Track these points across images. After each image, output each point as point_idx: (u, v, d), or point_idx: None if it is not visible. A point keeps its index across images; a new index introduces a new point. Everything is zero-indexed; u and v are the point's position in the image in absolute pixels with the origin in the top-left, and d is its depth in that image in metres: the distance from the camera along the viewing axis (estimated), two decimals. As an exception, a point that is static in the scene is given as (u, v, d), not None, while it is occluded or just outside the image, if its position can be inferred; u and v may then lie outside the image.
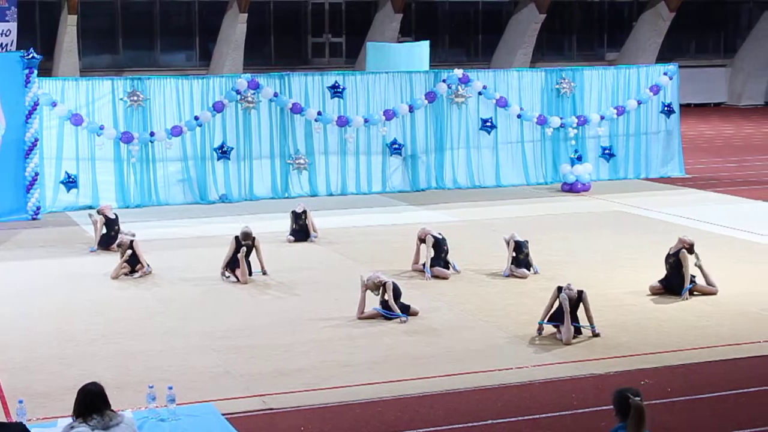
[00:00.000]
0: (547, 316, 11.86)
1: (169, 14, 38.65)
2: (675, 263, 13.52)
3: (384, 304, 12.61)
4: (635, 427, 6.62)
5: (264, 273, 14.74)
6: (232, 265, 14.63)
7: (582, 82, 23.72)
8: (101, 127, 20.38)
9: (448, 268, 14.73)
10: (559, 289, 11.87)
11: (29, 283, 14.57)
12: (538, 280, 14.29)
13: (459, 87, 22.78)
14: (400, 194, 22.07)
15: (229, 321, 12.55)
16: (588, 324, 11.83)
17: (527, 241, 14.76)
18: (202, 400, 9.40)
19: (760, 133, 34.93)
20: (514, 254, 14.61)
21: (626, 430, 6.68)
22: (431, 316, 12.69)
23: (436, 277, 14.53)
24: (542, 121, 23.32)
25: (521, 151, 23.38)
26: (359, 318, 12.54)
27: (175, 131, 20.89)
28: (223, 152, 21.30)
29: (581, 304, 11.82)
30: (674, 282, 13.45)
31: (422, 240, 14.96)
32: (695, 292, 13.44)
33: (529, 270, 14.62)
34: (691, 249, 13.58)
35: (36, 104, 19.43)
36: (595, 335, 11.76)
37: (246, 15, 36.10)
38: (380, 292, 12.66)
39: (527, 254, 14.68)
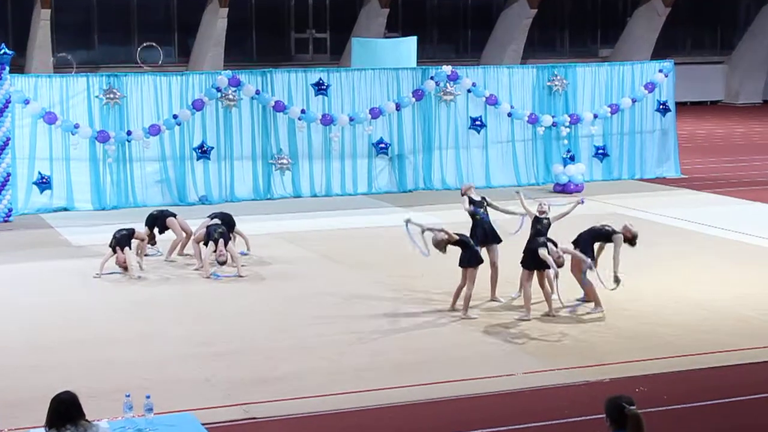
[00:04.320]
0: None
1: (147, 9, 38.57)
2: (600, 246, 13.30)
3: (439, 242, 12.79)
4: None
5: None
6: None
7: (575, 80, 23.77)
8: (76, 126, 20.33)
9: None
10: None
11: (0, 287, 14.50)
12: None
13: (447, 84, 22.80)
14: (386, 195, 22.08)
15: (209, 326, 12.53)
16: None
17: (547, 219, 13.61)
18: (182, 410, 9.37)
19: (758, 132, 35.06)
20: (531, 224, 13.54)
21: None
22: (418, 322, 12.69)
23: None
24: (533, 120, 23.36)
25: (512, 150, 23.42)
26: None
27: (153, 130, 20.85)
28: (203, 152, 21.27)
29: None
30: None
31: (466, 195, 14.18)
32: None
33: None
34: (632, 241, 13.23)
35: (8, 102, 19.36)
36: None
37: (226, 10, 36.06)
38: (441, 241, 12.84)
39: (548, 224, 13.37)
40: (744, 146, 31.10)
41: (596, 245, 13.34)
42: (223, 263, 15.01)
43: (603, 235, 13.18)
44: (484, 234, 13.67)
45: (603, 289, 13.02)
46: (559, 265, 12.53)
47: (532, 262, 12.74)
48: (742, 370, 10.98)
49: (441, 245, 12.89)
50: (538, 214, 13.29)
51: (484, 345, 11.83)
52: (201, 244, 15.33)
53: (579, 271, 13.01)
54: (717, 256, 16.10)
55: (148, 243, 16.02)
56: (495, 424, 9.51)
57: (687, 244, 17.04)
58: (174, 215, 16.37)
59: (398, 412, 9.79)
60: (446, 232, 12.83)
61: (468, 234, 13.49)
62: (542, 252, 12.46)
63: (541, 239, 12.66)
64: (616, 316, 12.88)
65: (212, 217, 15.96)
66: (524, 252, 12.96)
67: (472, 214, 13.84)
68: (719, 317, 12.80)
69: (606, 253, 13.36)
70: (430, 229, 13.02)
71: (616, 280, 12.94)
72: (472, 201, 13.91)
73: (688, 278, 14.67)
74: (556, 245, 12.62)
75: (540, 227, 13.19)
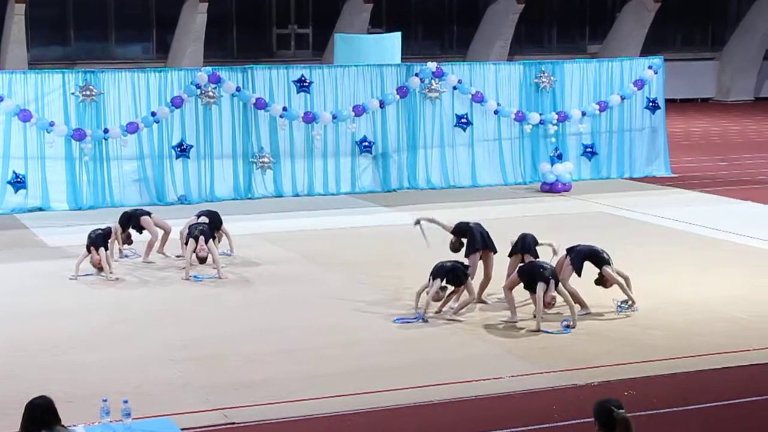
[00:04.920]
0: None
1: (125, 3, 38.49)
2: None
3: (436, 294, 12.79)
4: None
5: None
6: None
7: (562, 76, 23.82)
8: (51, 124, 20.27)
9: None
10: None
11: (-26, 290, 14.46)
12: (517, 291, 14.30)
13: (432, 81, 22.82)
14: (370, 195, 22.09)
15: (189, 329, 12.51)
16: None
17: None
18: (160, 414, 9.36)
19: (749, 130, 35.22)
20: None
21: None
22: (404, 324, 12.69)
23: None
24: (520, 118, 23.41)
25: (498, 149, 23.45)
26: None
27: (131, 128, 20.81)
28: (182, 150, 21.24)
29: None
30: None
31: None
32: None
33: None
34: (606, 285, 13.25)
35: (-19, 99, 19.34)
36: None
37: (206, 4, 36.01)
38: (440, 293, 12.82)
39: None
40: (735, 144, 31.24)
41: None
42: (202, 260, 14.96)
43: (596, 258, 13.22)
44: (482, 238, 13.71)
45: (589, 294, 13.11)
46: (549, 307, 12.58)
47: (524, 281, 12.69)
48: (733, 372, 11.02)
49: (439, 295, 12.85)
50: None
51: (471, 348, 11.84)
52: (184, 244, 15.27)
53: (565, 277, 13.02)
54: (707, 256, 16.15)
55: (125, 243, 15.97)
56: (483, 427, 9.52)
57: (677, 244, 17.10)
58: (148, 213, 16.31)
59: (383, 416, 9.79)
60: (433, 292, 12.79)
61: (465, 247, 13.64)
62: (539, 292, 12.37)
63: (548, 272, 12.51)
64: (605, 317, 12.92)
65: (199, 215, 15.94)
66: (523, 268, 12.90)
67: (464, 230, 13.86)
68: (709, 319, 12.84)
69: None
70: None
71: (622, 303, 13.11)
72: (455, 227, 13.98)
73: (678, 279, 14.72)
74: (557, 283, 12.54)
75: (527, 232, 13.71)
